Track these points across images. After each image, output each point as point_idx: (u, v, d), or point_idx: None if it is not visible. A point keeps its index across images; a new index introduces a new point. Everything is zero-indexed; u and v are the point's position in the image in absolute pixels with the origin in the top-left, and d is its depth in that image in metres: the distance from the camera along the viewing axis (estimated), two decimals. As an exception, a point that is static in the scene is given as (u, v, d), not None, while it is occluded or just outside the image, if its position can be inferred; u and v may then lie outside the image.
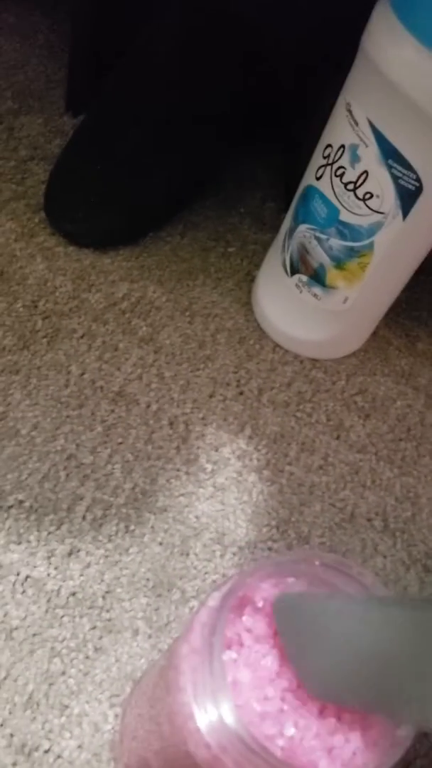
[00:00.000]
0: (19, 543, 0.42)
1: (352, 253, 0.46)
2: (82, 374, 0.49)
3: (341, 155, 0.43)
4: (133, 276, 0.55)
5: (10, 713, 0.38)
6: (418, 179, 0.41)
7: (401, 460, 0.51)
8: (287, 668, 0.28)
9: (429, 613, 0.25)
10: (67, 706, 0.39)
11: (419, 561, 0.47)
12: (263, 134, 0.59)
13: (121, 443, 0.47)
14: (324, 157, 0.45)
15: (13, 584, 0.41)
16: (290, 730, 0.27)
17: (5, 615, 0.40)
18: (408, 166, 0.40)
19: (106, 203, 0.54)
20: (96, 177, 0.54)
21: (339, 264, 0.47)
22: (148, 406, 0.49)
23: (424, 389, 0.55)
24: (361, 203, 0.43)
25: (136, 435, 0.48)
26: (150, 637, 0.41)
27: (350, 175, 0.43)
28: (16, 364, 0.49)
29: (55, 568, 0.42)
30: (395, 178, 0.41)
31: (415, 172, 0.40)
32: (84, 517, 0.44)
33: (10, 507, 0.43)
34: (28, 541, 0.43)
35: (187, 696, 0.26)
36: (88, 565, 0.43)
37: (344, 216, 0.44)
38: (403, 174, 0.41)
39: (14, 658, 0.39)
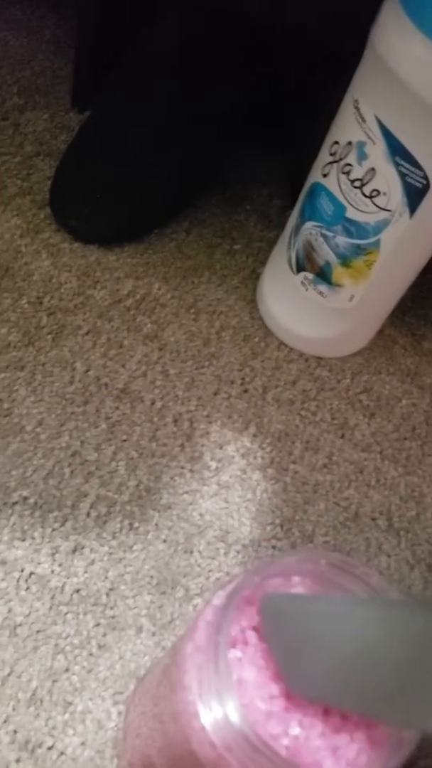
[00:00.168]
0: (24, 539, 0.42)
1: (358, 250, 0.46)
2: (87, 371, 0.49)
3: (348, 152, 0.43)
4: (138, 273, 0.55)
5: (13, 710, 0.38)
6: (425, 177, 0.40)
7: (406, 459, 0.51)
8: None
9: (418, 616, 0.25)
10: (70, 703, 0.39)
11: (423, 560, 0.47)
12: (268, 132, 0.59)
13: (125, 440, 0.47)
14: (331, 154, 0.44)
15: (17, 581, 0.41)
16: (295, 730, 0.27)
17: (9, 611, 0.40)
18: (415, 164, 0.40)
19: (111, 199, 0.54)
20: (102, 173, 0.54)
21: (345, 262, 0.47)
22: (153, 404, 0.49)
23: (430, 388, 0.54)
24: (367, 201, 0.43)
25: (141, 432, 0.48)
26: (154, 634, 0.41)
27: (357, 173, 0.43)
28: (21, 361, 0.49)
29: (60, 565, 0.42)
30: (402, 176, 0.41)
31: (422, 170, 0.40)
32: (88, 514, 0.44)
33: (15, 503, 0.43)
34: (33, 538, 0.43)
35: (192, 695, 0.26)
36: (92, 562, 0.43)
37: (351, 213, 0.44)
38: (411, 171, 0.40)
39: (18, 654, 0.39)
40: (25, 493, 0.44)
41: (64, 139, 0.60)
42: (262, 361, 0.53)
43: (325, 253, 0.47)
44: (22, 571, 0.42)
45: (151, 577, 0.43)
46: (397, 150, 0.40)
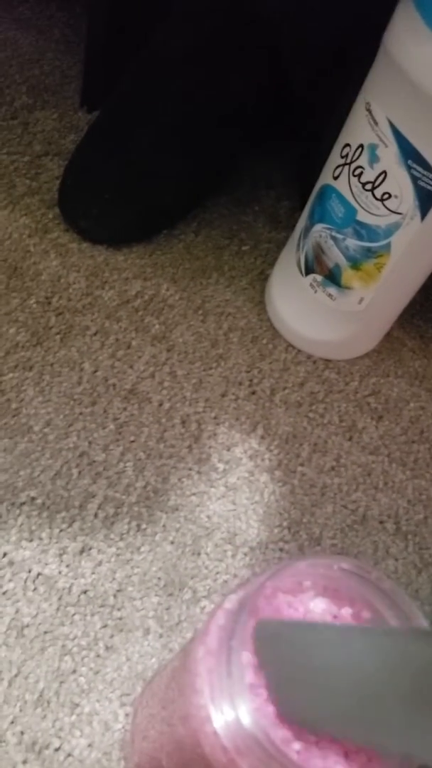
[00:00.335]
0: (31, 540, 0.42)
1: (368, 253, 0.46)
2: (95, 372, 0.49)
3: (360, 155, 0.43)
4: (146, 273, 0.55)
5: (20, 711, 0.38)
6: (437, 180, 0.40)
7: (414, 463, 0.51)
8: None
9: (416, 644, 0.25)
10: (77, 705, 0.39)
11: (431, 564, 0.47)
12: (279, 133, 0.59)
13: (133, 441, 0.47)
14: (342, 157, 0.44)
15: (25, 581, 0.41)
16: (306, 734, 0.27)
17: (17, 612, 0.40)
18: (428, 167, 0.40)
19: (120, 200, 0.54)
20: (110, 173, 0.54)
21: (355, 264, 0.47)
22: (161, 405, 0.49)
23: (438, 391, 0.54)
24: (378, 203, 0.43)
25: (149, 433, 0.48)
26: (161, 636, 0.41)
27: (368, 175, 0.42)
28: (29, 361, 0.49)
29: (67, 566, 0.42)
30: (414, 179, 0.41)
31: (434, 173, 0.40)
32: (96, 515, 0.44)
33: (23, 504, 0.43)
34: (40, 539, 0.43)
35: (203, 698, 0.26)
36: (100, 563, 0.43)
37: (361, 216, 0.44)
38: (423, 175, 0.40)
39: (25, 655, 0.39)
40: (32, 494, 0.44)
41: (73, 139, 0.60)
42: (270, 363, 0.53)
43: (335, 256, 0.47)
44: (30, 571, 0.42)
45: (159, 578, 0.43)
46: (409, 153, 0.40)
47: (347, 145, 0.44)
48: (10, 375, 0.48)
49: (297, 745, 0.27)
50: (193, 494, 0.46)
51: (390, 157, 0.41)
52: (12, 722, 0.38)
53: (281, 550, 0.46)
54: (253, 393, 0.51)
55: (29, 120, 0.60)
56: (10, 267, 0.52)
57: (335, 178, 0.45)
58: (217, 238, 0.58)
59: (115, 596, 0.42)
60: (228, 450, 0.48)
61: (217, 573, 0.44)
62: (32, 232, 0.54)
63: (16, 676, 0.39)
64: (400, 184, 0.41)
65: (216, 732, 0.26)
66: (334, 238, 0.46)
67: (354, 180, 0.44)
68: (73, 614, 0.41)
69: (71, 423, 0.47)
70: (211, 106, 0.54)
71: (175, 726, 0.30)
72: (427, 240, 0.44)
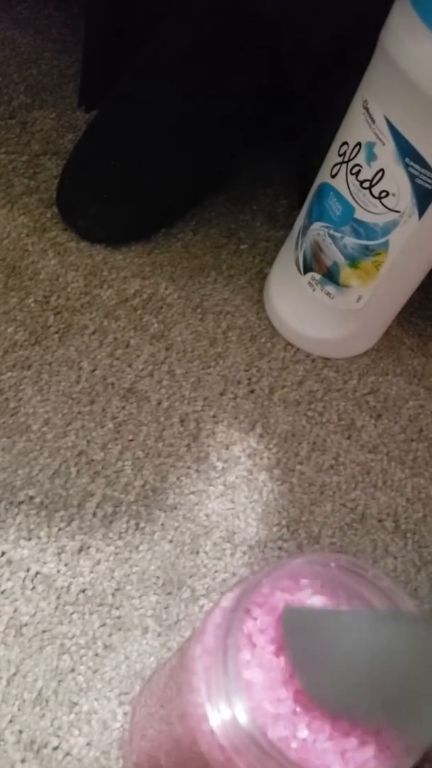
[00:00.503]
0: (30, 539, 0.42)
1: (366, 251, 0.46)
2: (94, 370, 0.49)
3: (357, 153, 0.43)
4: (144, 272, 0.55)
5: (19, 710, 0.38)
6: (435, 178, 0.40)
7: (413, 461, 0.51)
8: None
9: None
10: (76, 704, 0.39)
11: (430, 562, 0.47)
12: (277, 132, 0.59)
13: (131, 440, 0.47)
14: (339, 155, 0.44)
15: (23, 580, 0.41)
16: (303, 732, 0.27)
17: (15, 611, 0.40)
18: (425, 165, 0.40)
19: (118, 199, 0.54)
20: (108, 173, 0.54)
21: (353, 262, 0.47)
22: (159, 404, 0.49)
23: (437, 389, 0.54)
24: (376, 201, 0.43)
25: (147, 432, 0.48)
26: (160, 635, 0.41)
27: (366, 173, 0.42)
28: (28, 360, 0.49)
29: (65, 565, 0.42)
30: (412, 177, 0.41)
31: (432, 171, 0.40)
32: (94, 514, 0.44)
33: (21, 503, 0.43)
34: (39, 537, 0.43)
35: (200, 697, 0.26)
36: (98, 562, 0.43)
37: (359, 214, 0.44)
38: (420, 173, 0.40)
39: (23, 654, 0.39)
40: (31, 493, 0.44)
41: (71, 138, 0.60)
42: (269, 361, 0.53)
43: (333, 254, 0.47)
44: (28, 570, 0.42)
45: (157, 577, 0.43)
46: (406, 151, 0.40)
47: (345, 143, 0.44)
48: (9, 374, 0.48)
49: (294, 743, 0.27)
50: (192, 493, 0.46)
51: (387, 155, 0.41)
52: (10, 721, 0.38)
53: (280, 548, 0.46)
54: (252, 392, 0.51)
55: (27, 119, 0.60)
56: (9, 266, 0.52)
57: (333, 177, 0.45)
58: (215, 236, 0.58)
59: (113, 595, 0.42)
60: (227, 449, 0.48)
61: (216, 572, 0.44)
62: (30, 231, 0.54)
63: (14, 674, 0.39)
64: (398, 182, 0.41)
65: (213, 730, 0.26)
66: (332, 237, 0.46)
67: (352, 178, 0.43)
68: (72, 613, 0.41)
69: (70, 422, 0.47)
70: (210, 106, 0.54)
71: (173, 724, 0.30)
72: (424, 238, 0.44)
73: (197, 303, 0.54)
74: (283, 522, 0.46)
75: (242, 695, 0.26)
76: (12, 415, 0.46)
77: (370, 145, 0.42)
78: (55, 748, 0.38)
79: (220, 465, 0.47)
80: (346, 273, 0.47)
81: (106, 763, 0.38)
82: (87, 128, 0.57)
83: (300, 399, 0.51)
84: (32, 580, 0.41)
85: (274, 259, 0.56)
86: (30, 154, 0.58)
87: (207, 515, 0.45)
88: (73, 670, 0.39)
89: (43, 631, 0.40)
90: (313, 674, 0.27)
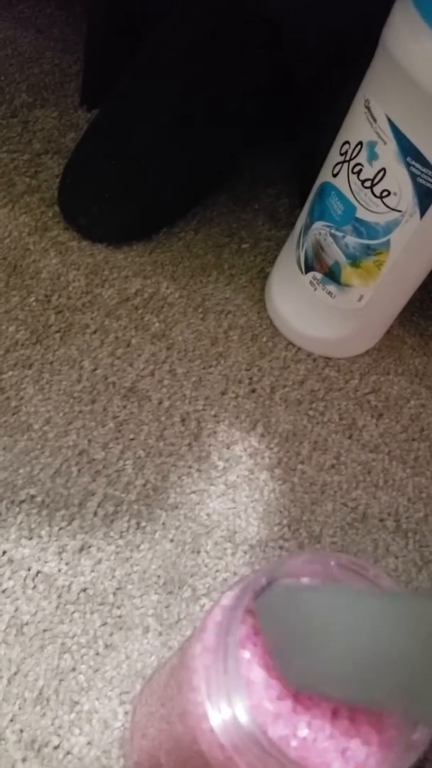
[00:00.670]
0: (31, 538, 0.42)
1: (368, 251, 0.45)
2: (95, 370, 0.49)
3: (359, 152, 0.43)
4: (146, 272, 0.55)
5: (20, 709, 0.38)
6: (436, 177, 0.40)
7: (414, 461, 0.51)
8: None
9: (429, 607, 0.25)
10: (77, 703, 0.39)
11: (431, 562, 0.47)
12: (278, 131, 0.59)
13: (132, 439, 0.47)
14: (341, 154, 0.44)
15: (24, 579, 0.41)
16: (303, 731, 0.27)
17: (16, 610, 0.40)
18: (427, 165, 0.40)
19: (119, 198, 0.54)
20: (110, 172, 0.54)
21: (355, 262, 0.47)
22: (160, 403, 0.49)
23: (438, 389, 0.54)
24: (378, 201, 0.43)
25: (148, 431, 0.48)
26: (160, 634, 0.41)
27: (368, 173, 0.42)
28: (29, 359, 0.49)
29: (66, 564, 0.42)
30: (413, 176, 0.41)
31: (433, 170, 0.40)
32: (95, 513, 0.44)
33: (22, 502, 0.43)
34: (40, 537, 0.43)
35: (200, 695, 0.26)
36: (99, 561, 0.43)
37: (361, 213, 0.44)
38: (422, 172, 0.40)
39: (24, 653, 0.39)
40: (32, 492, 0.44)
41: (73, 137, 0.60)
42: (270, 360, 0.53)
43: (335, 253, 0.47)
44: (29, 569, 0.42)
45: (158, 576, 0.43)
46: (408, 150, 0.40)
47: (346, 142, 0.44)
48: (10, 373, 0.48)
49: (294, 742, 0.27)
50: (193, 492, 0.46)
51: (389, 154, 0.41)
52: (11, 720, 0.38)
53: (281, 548, 0.46)
54: (253, 391, 0.51)
55: (29, 118, 0.60)
56: (10, 265, 0.52)
57: (334, 176, 0.45)
58: (216, 236, 0.58)
59: (114, 594, 0.42)
60: (228, 448, 0.48)
61: (217, 571, 0.44)
62: (32, 230, 0.54)
63: (15, 674, 0.39)
64: (399, 181, 0.41)
65: (213, 729, 0.26)
66: (333, 236, 0.46)
67: (353, 177, 0.43)
68: (73, 612, 0.41)
69: (71, 421, 0.47)
70: (210, 106, 0.54)
71: (173, 723, 0.30)
72: (426, 237, 0.44)
73: (198, 302, 0.54)
74: (285, 521, 0.46)
75: (242, 694, 0.26)
76: (13, 414, 0.46)
77: (372, 145, 0.42)
78: (56, 747, 0.38)
79: (221, 464, 0.47)
80: (347, 272, 0.47)
81: (107, 762, 0.38)
82: (88, 127, 0.57)
83: (301, 398, 0.51)
84: (33, 579, 0.41)
85: (276, 259, 0.56)
86: (31, 153, 0.58)
87: (208, 514, 0.45)
88: (74, 669, 0.39)
89: (44, 630, 0.40)
90: (289, 652, 0.26)
